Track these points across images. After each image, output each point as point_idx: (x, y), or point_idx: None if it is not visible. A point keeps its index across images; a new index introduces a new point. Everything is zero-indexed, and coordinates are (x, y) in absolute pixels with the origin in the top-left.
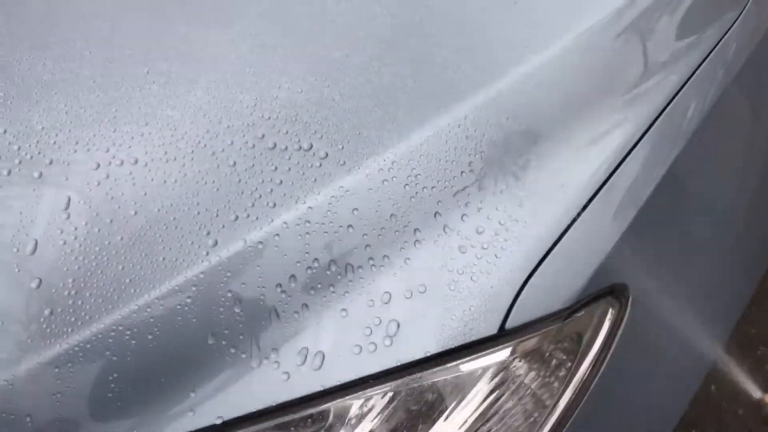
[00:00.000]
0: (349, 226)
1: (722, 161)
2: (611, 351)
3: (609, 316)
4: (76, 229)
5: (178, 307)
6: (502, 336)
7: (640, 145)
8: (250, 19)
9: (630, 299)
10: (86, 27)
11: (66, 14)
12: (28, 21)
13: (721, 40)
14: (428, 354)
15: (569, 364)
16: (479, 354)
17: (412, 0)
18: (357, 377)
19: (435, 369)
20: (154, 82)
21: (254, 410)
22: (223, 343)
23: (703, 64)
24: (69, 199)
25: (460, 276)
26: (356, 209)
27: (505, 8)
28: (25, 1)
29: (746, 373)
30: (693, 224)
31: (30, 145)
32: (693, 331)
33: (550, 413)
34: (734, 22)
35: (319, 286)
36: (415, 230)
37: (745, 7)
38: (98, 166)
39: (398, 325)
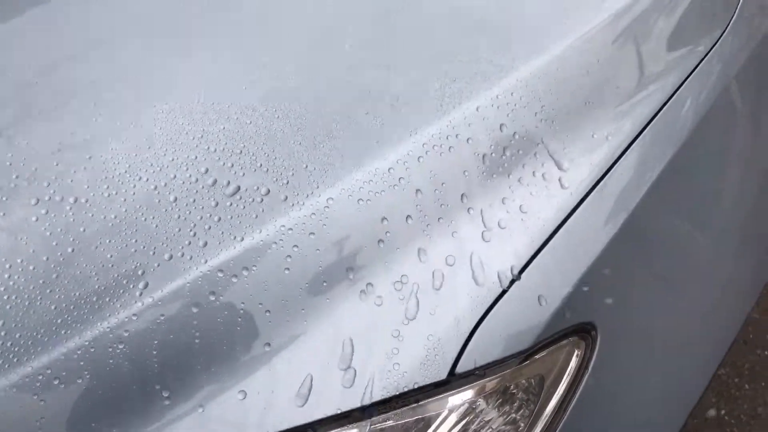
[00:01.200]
0: (286, 269)
1: (712, 178)
2: (578, 394)
3: (574, 357)
4: (10, 267)
5: (110, 350)
6: (450, 382)
7: (616, 167)
8: (205, 48)
9: (599, 340)
10: (36, 56)
11: (14, 44)
12: None
13: (707, 54)
14: (373, 401)
15: (532, 406)
16: (429, 399)
17: (375, 27)
18: (295, 425)
19: (380, 416)
20: (101, 114)
21: None
22: (157, 387)
23: (688, 80)
24: (4, 236)
25: (407, 322)
26: (297, 248)
27: (473, 32)
28: None
29: None
30: (674, 255)
31: None
32: (671, 376)
33: None
34: (726, 26)
35: (257, 332)
36: (362, 273)
37: (735, 13)
38: (37, 201)
39: (341, 373)
